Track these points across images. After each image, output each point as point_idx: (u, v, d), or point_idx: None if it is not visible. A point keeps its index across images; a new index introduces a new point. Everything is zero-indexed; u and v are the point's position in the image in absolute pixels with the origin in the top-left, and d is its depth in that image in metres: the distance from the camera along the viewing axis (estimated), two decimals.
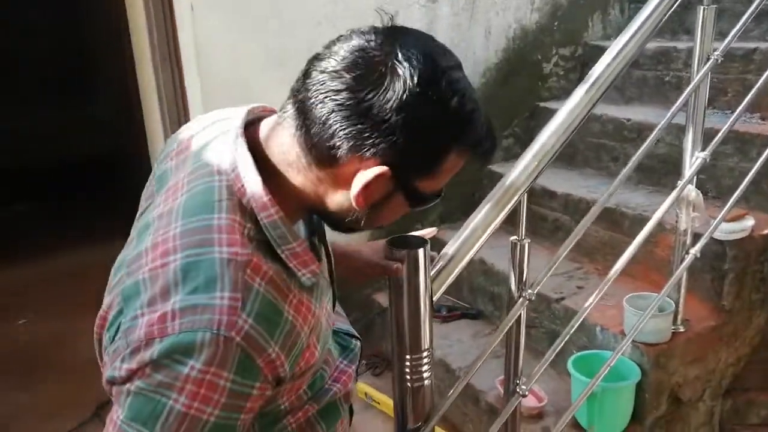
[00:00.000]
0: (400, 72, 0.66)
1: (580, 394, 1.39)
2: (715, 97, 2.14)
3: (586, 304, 1.35)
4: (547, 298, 1.85)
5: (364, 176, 0.69)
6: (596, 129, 2.33)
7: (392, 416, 2.05)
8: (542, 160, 1.23)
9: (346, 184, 0.71)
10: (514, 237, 1.28)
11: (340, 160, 0.69)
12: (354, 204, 0.71)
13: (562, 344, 1.31)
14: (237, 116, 0.77)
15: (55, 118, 5.81)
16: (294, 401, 0.82)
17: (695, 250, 1.49)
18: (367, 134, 0.67)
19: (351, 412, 1.01)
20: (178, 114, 2.64)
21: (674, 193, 1.46)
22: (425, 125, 0.68)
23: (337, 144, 0.68)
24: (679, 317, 1.60)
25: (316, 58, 0.71)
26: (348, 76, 0.67)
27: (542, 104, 2.55)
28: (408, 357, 1.02)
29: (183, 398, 0.62)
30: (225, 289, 0.64)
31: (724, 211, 1.50)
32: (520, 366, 1.34)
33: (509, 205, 1.18)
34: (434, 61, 0.68)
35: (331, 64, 0.68)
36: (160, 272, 0.66)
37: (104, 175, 5.93)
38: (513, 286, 1.29)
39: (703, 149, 1.54)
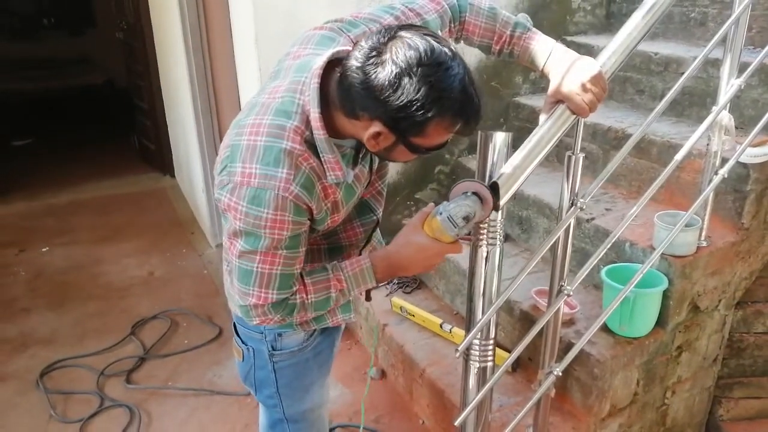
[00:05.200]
0: (389, 63, 0.96)
1: (614, 299, 1.55)
2: None
3: (625, 219, 1.48)
4: (578, 219, 1.99)
5: (368, 131, 1.03)
6: None
7: (424, 327, 2.23)
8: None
9: (364, 132, 1.04)
10: (570, 151, 1.41)
11: (357, 117, 1.04)
12: (369, 148, 1.07)
13: (603, 252, 1.46)
14: (325, 55, 1.08)
15: None
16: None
17: (724, 171, 1.63)
18: (369, 102, 0.99)
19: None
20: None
21: (711, 117, 1.58)
22: (405, 103, 0.97)
23: (354, 106, 1.02)
24: (703, 233, 1.76)
25: (356, 45, 1.03)
26: (363, 61, 0.99)
27: (569, 38, 2.62)
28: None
29: (268, 231, 1.07)
30: (285, 166, 1.04)
31: (751, 136, 1.63)
32: (567, 269, 1.49)
33: (570, 121, 1.30)
34: (418, 58, 0.96)
35: (359, 51, 1.00)
36: (251, 144, 1.06)
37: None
38: (566, 195, 1.42)
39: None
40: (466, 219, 1.14)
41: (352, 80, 1.00)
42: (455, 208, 1.14)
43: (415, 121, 0.99)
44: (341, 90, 1.04)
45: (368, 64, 0.98)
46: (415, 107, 0.97)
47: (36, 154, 5.61)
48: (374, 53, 0.98)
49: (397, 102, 0.97)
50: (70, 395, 2.45)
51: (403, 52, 0.97)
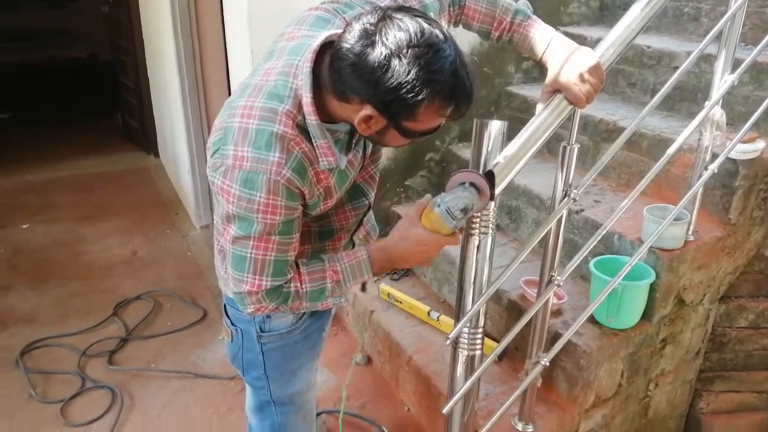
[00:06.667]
0: (379, 45, 0.94)
1: (602, 290, 1.56)
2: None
3: (615, 213, 1.50)
4: (568, 210, 1.99)
5: (359, 115, 1.01)
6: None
7: (411, 314, 2.23)
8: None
9: (355, 115, 1.02)
10: (565, 141, 1.41)
11: (348, 100, 1.02)
12: (360, 132, 1.05)
13: (594, 243, 1.46)
14: (319, 38, 1.06)
15: None
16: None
17: (714, 166, 1.64)
18: (359, 84, 0.98)
19: (353, 243, 1.44)
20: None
21: (703, 112, 1.59)
22: (395, 85, 0.95)
23: (345, 89, 1.01)
24: (691, 227, 1.77)
25: (346, 27, 1.01)
26: (353, 42, 0.97)
27: (563, 28, 2.61)
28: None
29: (260, 215, 1.05)
30: (276, 150, 1.03)
31: (742, 132, 1.64)
32: (557, 259, 1.50)
33: (567, 111, 1.30)
34: (408, 40, 0.94)
35: (349, 33, 0.98)
36: (243, 127, 1.04)
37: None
38: (559, 186, 1.43)
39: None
40: (465, 211, 1.13)
41: (343, 62, 0.98)
42: (453, 200, 1.13)
43: (405, 104, 0.97)
44: (332, 72, 1.02)
45: (358, 46, 0.96)
46: (405, 90, 0.95)
47: (15, 129, 5.50)
48: (364, 35, 0.96)
49: (387, 84, 0.95)
50: (50, 375, 2.42)
51: (393, 33, 0.95)
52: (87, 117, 5.80)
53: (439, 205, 1.13)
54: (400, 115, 1.00)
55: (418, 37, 0.95)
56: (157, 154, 4.72)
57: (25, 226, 3.67)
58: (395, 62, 0.94)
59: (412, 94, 0.96)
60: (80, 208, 3.93)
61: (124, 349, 2.58)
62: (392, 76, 0.94)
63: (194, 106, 3.33)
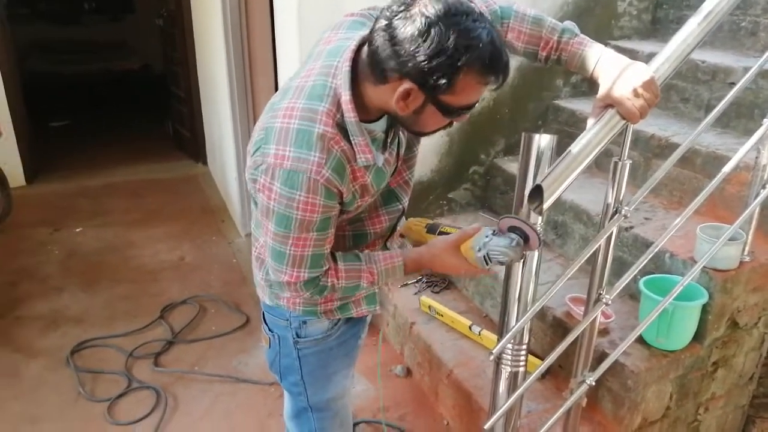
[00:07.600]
0: (418, 16, 0.97)
1: (653, 310, 1.52)
2: None
3: (668, 231, 1.46)
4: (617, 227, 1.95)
5: (397, 92, 1.03)
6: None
7: (453, 327, 2.22)
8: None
9: (393, 95, 1.03)
10: (617, 157, 1.38)
11: (386, 79, 1.03)
12: (399, 111, 1.06)
13: (645, 261, 1.43)
14: (356, 37, 1.11)
15: None
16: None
17: None
18: (399, 59, 0.99)
19: (385, 247, 1.44)
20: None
21: (762, 129, 1.55)
22: (435, 52, 0.97)
23: (383, 68, 1.02)
24: (747, 248, 1.71)
25: (385, 7, 1.03)
26: (392, 17, 1.00)
27: (613, 42, 2.58)
28: None
29: (299, 212, 1.09)
30: (317, 150, 1.07)
31: None
32: (606, 277, 1.47)
33: (619, 126, 1.27)
34: (446, 9, 0.98)
35: (388, 10, 1.02)
36: (285, 127, 1.08)
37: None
38: (611, 202, 1.40)
39: None
40: (501, 263, 1.18)
41: (381, 40, 1.01)
42: (495, 251, 1.17)
43: (445, 72, 0.99)
44: (370, 53, 1.05)
45: (397, 20, 0.99)
46: (444, 56, 0.97)
47: (72, 136, 5.72)
48: (402, 8, 1.00)
49: (427, 52, 0.97)
50: (98, 375, 2.49)
51: (431, 4, 0.98)
52: (140, 126, 6.00)
53: (479, 250, 1.18)
54: (439, 87, 1.01)
55: (456, 7, 0.99)
56: (205, 162, 4.84)
57: (78, 230, 3.80)
58: (434, 30, 0.97)
59: (452, 61, 0.98)
60: (131, 214, 4.06)
61: (169, 352, 2.64)
62: (431, 43, 0.97)
63: (243, 116, 3.41)
